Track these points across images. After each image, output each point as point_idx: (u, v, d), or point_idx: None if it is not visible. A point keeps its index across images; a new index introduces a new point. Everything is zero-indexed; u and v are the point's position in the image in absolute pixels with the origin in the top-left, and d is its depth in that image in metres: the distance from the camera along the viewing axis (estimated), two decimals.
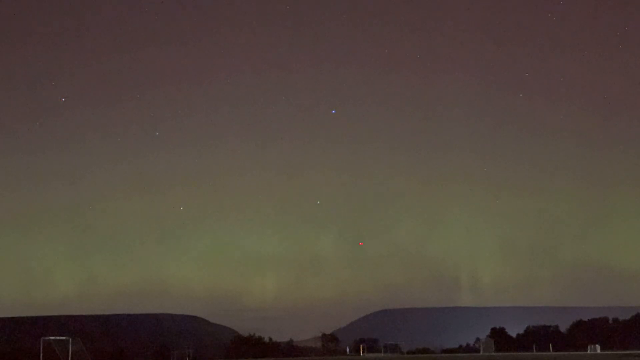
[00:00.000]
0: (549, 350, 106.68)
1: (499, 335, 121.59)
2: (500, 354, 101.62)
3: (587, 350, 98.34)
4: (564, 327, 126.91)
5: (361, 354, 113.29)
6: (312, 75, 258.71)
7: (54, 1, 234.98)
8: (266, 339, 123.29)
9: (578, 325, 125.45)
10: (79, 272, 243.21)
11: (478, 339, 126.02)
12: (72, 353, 70.39)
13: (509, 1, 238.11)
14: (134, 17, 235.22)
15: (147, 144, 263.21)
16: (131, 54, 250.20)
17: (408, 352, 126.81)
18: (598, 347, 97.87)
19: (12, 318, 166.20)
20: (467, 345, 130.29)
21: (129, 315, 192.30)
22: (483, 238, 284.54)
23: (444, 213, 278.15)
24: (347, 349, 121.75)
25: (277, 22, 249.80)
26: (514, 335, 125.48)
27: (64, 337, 73.83)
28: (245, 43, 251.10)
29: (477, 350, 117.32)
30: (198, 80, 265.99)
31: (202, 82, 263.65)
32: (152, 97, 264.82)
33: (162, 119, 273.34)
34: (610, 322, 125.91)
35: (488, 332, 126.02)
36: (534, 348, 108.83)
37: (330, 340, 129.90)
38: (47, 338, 72.84)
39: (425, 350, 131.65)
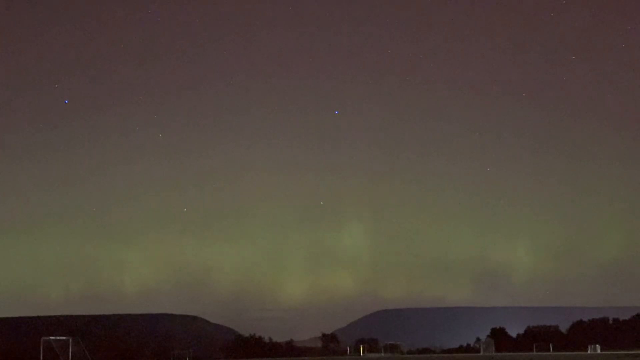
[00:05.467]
0: (549, 350, 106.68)
1: (499, 335, 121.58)
2: (500, 354, 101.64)
3: (587, 350, 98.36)
4: (564, 327, 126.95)
5: (361, 354, 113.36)
6: (314, 77, 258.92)
7: (57, 3, 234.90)
8: (266, 339, 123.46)
9: (578, 325, 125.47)
10: (78, 272, 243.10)
11: (478, 339, 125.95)
12: (72, 353, 70.47)
13: (513, 2, 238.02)
14: (137, 19, 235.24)
15: (150, 145, 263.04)
16: (134, 56, 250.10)
17: (408, 352, 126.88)
18: (598, 347, 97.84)
19: (12, 318, 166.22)
20: (467, 345, 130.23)
21: (129, 315, 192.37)
22: (482, 238, 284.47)
23: (444, 213, 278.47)
24: (347, 349, 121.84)
25: (280, 23, 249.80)
26: (514, 335, 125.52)
27: (64, 337, 73.90)
28: (248, 45, 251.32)
29: (477, 350, 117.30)
30: (201, 81, 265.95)
31: (205, 83, 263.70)
32: (155, 99, 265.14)
33: (165, 121, 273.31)
34: (610, 322, 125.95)
35: (488, 332, 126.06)
36: (534, 348, 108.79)
37: (330, 340, 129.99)
38: (47, 338, 72.83)
39: (425, 350, 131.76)
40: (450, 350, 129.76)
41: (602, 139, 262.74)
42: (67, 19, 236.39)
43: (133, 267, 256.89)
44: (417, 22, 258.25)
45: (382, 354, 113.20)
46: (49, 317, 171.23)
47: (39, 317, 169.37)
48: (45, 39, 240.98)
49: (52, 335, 77.33)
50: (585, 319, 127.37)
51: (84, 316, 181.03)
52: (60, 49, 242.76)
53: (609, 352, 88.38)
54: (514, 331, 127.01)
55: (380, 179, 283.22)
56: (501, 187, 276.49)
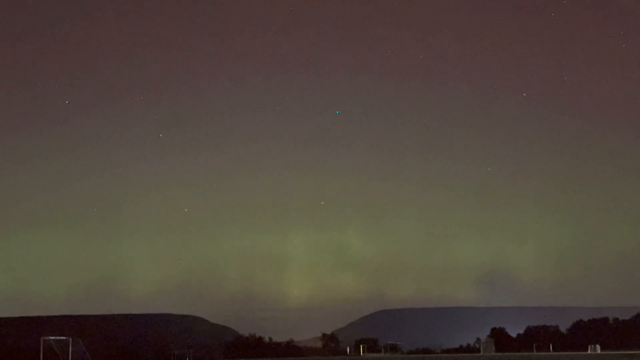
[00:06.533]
0: (549, 350, 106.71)
1: (499, 335, 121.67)
2: (500, 354, 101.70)
3: (587, 350, 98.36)
4: (564, 327, 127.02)
5: (361, 354, 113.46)
6: (315, 77, 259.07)
7: (57, 3, 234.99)
8: (266, 339, 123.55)
9: (578, 325, 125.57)
10: (79, 272, 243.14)
11: (478, 339, 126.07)
12: (72, 353, 70.46)
13: (513, 2, 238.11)
14: (137, 19, 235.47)
15: (150, 145, 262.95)
16: (135, 56, 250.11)
17: (408, 352, 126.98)
18: (598, 347, 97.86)
19: (12, 318, 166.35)
20: (467, 345, 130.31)
21: (129, 315, 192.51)
22: (482, 238, 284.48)
23: (443, 213, 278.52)
24: (347, 349, 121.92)
25: (281, 24, 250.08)
26: (514, 335, 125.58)
27: (64, 337, 73.89)
28: (249, 45, 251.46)
29: (477, 350, 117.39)
30: (202, 82, 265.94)
31: (206, 83, 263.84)
32: (156, 99, 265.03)
33: (166, 121, 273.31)
34: (610, 322, 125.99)
35: (488, 332, 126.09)
36: (534, 348, 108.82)
37: (330, 340, 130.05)
38: (47, 338, 72.84)
39: (425, 350, 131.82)
40: (450, 350, 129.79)
41: (602, 139, 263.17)
42: (68, 19, 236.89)
43: (133, 268, 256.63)
44: (417, 22, 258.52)
45: (382, 354, 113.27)
46: (49, 317, 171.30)
47: (39, 317, 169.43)
48: (45, 39, 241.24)
49: (52, 335, 77.32)
50: (585, 319, 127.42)
51: (84, 316, 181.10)
52: (61, 49, 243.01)
53: (609, 352, 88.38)
54: (514, 331, 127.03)
55: (379, 179, 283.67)
56: (501, 188, 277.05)
